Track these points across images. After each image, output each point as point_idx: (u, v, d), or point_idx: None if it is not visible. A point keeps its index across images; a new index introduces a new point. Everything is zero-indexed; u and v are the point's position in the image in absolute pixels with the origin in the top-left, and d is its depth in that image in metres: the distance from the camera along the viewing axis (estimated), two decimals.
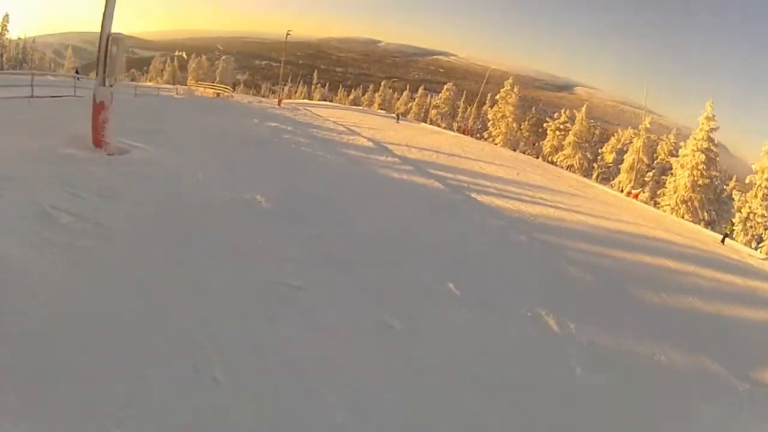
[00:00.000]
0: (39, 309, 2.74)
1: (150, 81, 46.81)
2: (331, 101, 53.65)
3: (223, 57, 56.44)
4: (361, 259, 4.69)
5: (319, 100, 54.55)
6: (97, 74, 6.69)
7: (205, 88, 36.56)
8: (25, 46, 45.62)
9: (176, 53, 60.53)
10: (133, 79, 43.65)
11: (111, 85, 6.71)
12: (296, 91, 63.99)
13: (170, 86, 36.37)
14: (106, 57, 6.57)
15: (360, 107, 47.61)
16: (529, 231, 7.86)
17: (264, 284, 3.69)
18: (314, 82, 67.14)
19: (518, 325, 4.17)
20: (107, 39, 6.53)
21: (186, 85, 41.63)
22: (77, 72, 30.86)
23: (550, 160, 38.05)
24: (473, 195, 9.85)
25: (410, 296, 4.13)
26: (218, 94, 32.29)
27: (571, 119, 39.18)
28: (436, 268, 4.90)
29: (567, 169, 35.34)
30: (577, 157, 37.81)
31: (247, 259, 4.06)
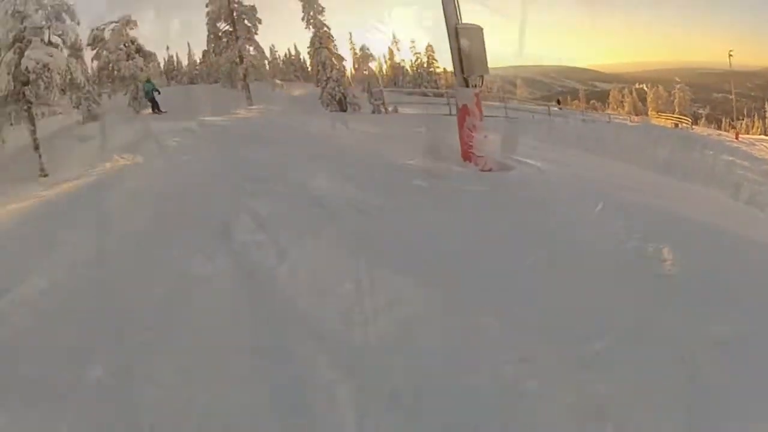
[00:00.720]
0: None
1: (611, 111, 49.79)
2: None
3: (678, 86, 54.27)
4: None
5: None
6: (455, 74, 5.77)
7: (665, 119, 36.32)
8: None
9: (636, 85, 59.10)
10: (591, 110, 47.93)
11: (475, 85, 5.60)
12: (753, 125, 58.73)
13: (625, 115, 37.82)
14: (459, 53, 5.59)
15: None
16: None
17: None
18: (766, 115, 60.38)
19: None
20: (455, 31, 5.54)
21: (646, 116, 41.88)
22: (558, 102, 30.87)
23: None
24: None
25: None
26: (676, 125, 31.95)
27: None
28: None
29: None
30: None
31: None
